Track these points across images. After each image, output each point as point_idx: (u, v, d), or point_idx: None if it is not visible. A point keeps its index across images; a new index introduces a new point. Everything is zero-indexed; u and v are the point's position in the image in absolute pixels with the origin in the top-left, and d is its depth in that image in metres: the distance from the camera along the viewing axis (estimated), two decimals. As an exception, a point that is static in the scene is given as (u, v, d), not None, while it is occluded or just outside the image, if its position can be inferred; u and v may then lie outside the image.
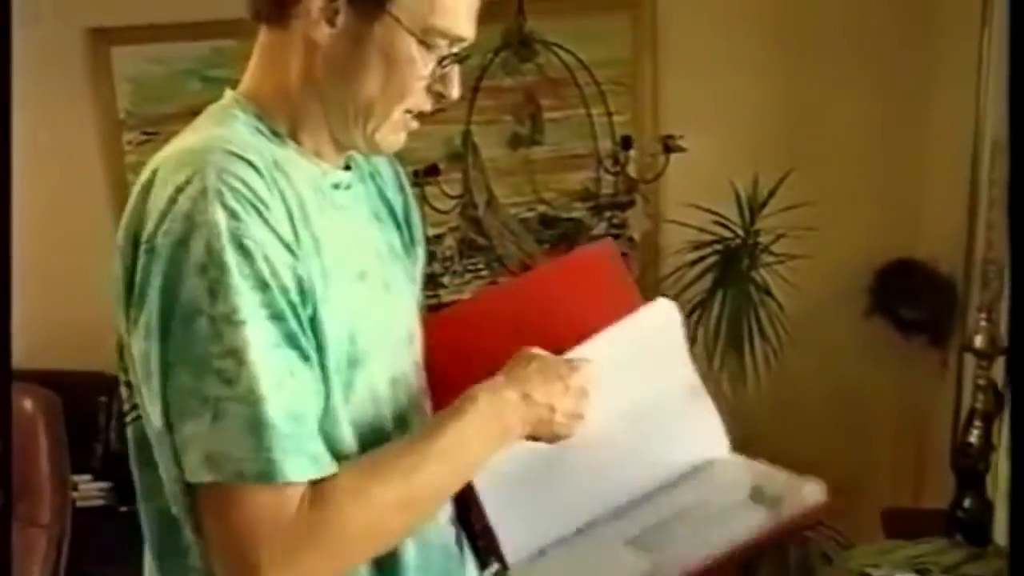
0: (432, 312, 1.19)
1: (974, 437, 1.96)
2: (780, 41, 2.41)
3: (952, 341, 2.40)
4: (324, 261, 0.90)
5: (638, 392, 1.06)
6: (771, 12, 2.40)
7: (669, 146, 2.03)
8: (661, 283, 2.28)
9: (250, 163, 0.86)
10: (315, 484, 0.85)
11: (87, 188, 2.42)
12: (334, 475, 0.86)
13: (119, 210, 0.89)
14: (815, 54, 2.38)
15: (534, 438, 0.99)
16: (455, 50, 0.95)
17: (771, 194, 2.19)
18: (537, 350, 1.00)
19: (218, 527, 0.84)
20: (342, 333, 0.91)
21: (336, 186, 0.98)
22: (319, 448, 0.86)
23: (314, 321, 0.88)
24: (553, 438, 1.00)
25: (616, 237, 2.37)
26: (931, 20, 2.36)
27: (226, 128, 0.92)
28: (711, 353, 2.22)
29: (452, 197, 2.20)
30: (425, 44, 0.92)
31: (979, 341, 1.97)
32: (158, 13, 2.30)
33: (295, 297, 0.86)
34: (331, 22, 0.91)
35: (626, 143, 2.20)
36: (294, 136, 0.96)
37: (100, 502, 2.30)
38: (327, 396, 0.89)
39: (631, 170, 2.25)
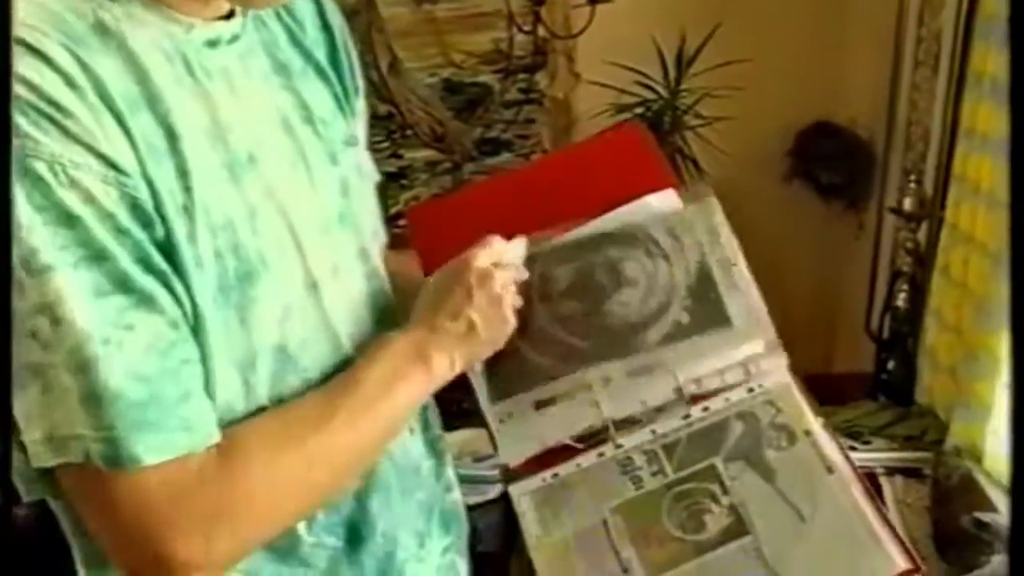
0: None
1: (901, 300, 1.95)
2: None
3: (869, 204, 2.37)
4: (186, 154, 0.69)
5: None
6: None
7: (593, -4, 1.84)
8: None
9: (39, 52, 0.63)
10: (217, 447, 0.70)
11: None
12: (236, 437, 0.71)
13: None
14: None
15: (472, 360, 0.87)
16: None
17: (699, 50, 2.05)
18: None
19: (94, 515, 0.69)
20: (222, 246, 0.71)
21: (213, 43, 0.75)
22: (190, 413, 0.68)
23: (170, 243, 0.68)
24: (487, 350, 0.87)
25: (530, 103, 2.20)
26: None
27: None
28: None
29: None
30: None
31: (908, 204, 1.93)
32: None
33: (128, 223, 0.66)
34: None
35: (537, -1, 2.00)
36: None
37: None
38: (203, 331, 0.71)
39: (544, 28, 2.06)
